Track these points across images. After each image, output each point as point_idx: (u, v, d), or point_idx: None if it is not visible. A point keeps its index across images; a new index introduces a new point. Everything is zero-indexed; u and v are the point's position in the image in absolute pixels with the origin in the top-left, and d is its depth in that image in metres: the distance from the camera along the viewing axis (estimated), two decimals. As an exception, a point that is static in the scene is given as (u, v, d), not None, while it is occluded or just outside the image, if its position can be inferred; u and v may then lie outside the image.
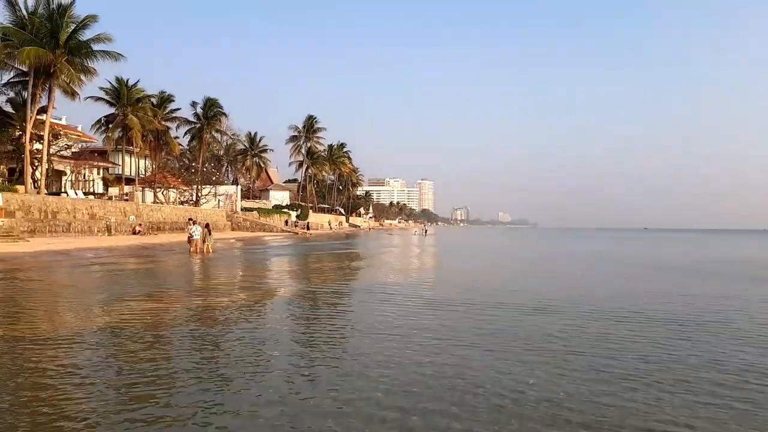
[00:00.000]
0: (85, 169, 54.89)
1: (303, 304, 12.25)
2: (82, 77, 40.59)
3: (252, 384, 6.06)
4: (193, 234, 28.67)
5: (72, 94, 41.56)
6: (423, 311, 11.09)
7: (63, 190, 47.09)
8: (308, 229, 74.50)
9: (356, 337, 8.63)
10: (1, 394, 5.55)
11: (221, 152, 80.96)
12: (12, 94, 42.92)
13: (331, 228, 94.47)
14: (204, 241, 28.77)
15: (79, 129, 58.58)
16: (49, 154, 43.23)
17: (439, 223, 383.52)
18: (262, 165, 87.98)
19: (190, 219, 33.02)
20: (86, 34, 39.68)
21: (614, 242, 65.74)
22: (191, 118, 65.33)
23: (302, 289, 14.95)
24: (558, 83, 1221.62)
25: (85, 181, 54.92)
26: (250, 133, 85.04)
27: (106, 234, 39.50)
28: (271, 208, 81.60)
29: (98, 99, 51.74)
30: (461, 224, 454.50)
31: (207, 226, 29.79)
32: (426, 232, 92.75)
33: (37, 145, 42.86)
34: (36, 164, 42.51)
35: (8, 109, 43.82)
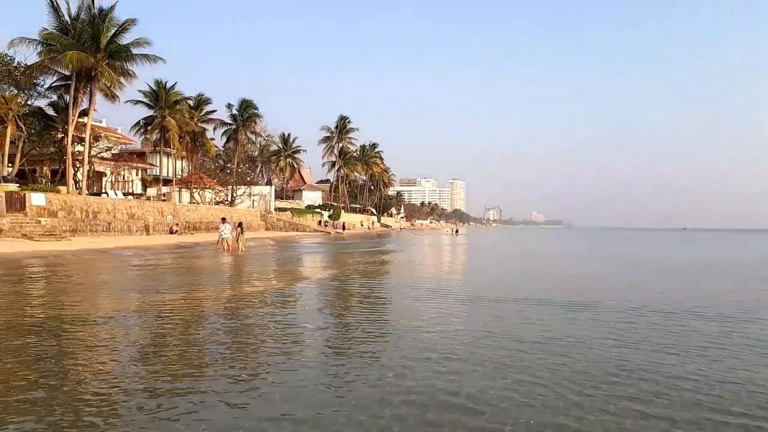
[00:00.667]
0: (124, 170, 56.22)
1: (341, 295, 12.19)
2: (122, 80, 41.59)
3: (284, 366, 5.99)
4: (223, 233, 28.98)
5: (112, 96, 42.65)
6: (461, 307, 10.93)
7: (103, 190, 48.31)
8: (343, 229, 74.83)
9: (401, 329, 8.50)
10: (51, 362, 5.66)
11: (255, 153, 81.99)
12: (54, 98, 44.31)
13: (363, 227, 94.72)
14: (237, 240, 29.08)
15: (119, 131, 60.08)
16: (90, 156, 44.39)
17: (471, 223, 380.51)
18: (295, 165, 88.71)
19: (222, 218, 33.45)
20: (125, 38, 40.64)
21: (663, 244, 64.00)
22: (227, 120, 66.37)
23: (338, 280, 14.89)
24: (597, 82, 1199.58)
25: (125, 181, 56.25)
26: (283, 134, 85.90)
27: (145, 233, 40.32)
28: (304, 208, 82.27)
29: (137, 102, 52.95)
30: (493, 224, 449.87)
31: (240, 225, 30.08)
32: (457, 232, 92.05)
33: (78, 147, 44.04)
34: (77, 165, 43.68)
35: (51, 112, 45.15)
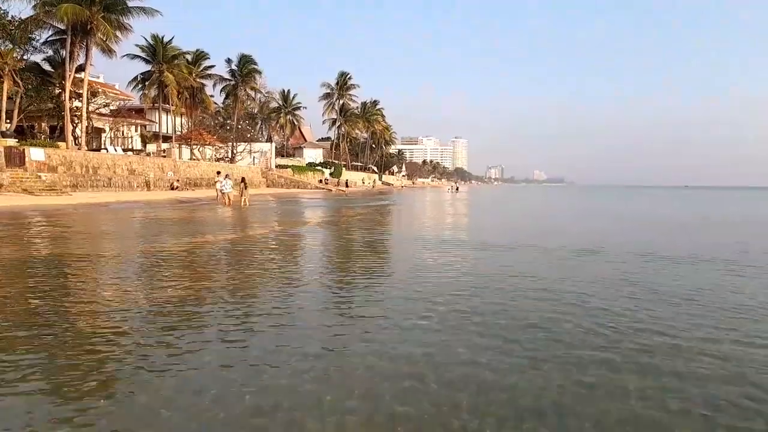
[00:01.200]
0: (123, 126, 55.82)
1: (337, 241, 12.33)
2: (118, 34, 40.88)
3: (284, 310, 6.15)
4: (224, 187, 29.00)
5: (109, 51, 41.99)
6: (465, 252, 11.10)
7: (103, 146, 48.13)
8: (346, 186, 74.77)
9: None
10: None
11: (255, 110, 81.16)
12: (50, 53, 43.57)
13: (365, 185, 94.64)
14: (241, 195, 29.17)
15: (117, 87, 59.34)
16: (88, 112, 44.03)
17: (473, 181, 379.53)
18: (296, 123, 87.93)
19: (218, 172, 33.42)
20: (121, -10, 39.71)
21: (664, 201, 64.06)
22: (226, 76, 65.45)
23: (341, 226, 15.04)
24: (597, 32, 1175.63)
25: (124, 137, 55.95)
26: (283, 91, 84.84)
27: (145, 189, 40.39)
28: (304, 165, 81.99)
29: (134, 57, 52.08)
30: (495, 183, 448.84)
31: (243, 180, 30.11)
32: (457, 189, 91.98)
33: (76, 103, 43.63)
34: (76, 121, 43.36)
35: (47, 67, 44.49)
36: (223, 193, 29.15)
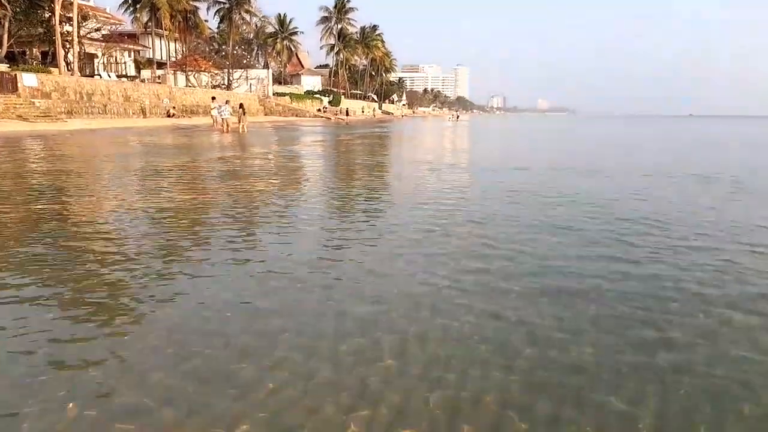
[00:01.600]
0: (116, 51, 54.37)
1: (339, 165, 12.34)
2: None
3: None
4: (222, 113, 28.59)
5: (96, -29, 40.26)
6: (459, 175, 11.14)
7: (96, 72, 47.09)
8: (347, 114, 73.65)
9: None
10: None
11: (251, 35, 78.73)
12: (37, -27, 41.79)
13: (364, 114, 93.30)
14: (239, 121, 28.83)
15: (107, 11, 57.31)
16: (79, 36, 42.75)
17: (475, 111, 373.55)
18: (293, 49, 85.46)
19: (213, 98, 32.85)
20: None
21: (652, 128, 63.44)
22: (220, -3, 63.09)
23: (342, 147, 15.01)
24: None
25: (117, 63, 54.61)
26: (279, 15, 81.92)
27: (141, 116, 39.85)
28: (303, 93, 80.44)
29: (123, -23, 50.06)
30: (497, 112, 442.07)
31: (241, 106, 29.66)
32: (458, 118, 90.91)
33: (67, 27, 42.29)
34: (68, 47, 42.19)
35: (35, -11, 42.83)
36: (223, 119, 28.78)
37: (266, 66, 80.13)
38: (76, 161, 12.51)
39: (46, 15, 42.94)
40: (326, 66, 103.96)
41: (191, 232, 5.77)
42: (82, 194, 7.80)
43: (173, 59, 59.86)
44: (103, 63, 52.06)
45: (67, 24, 42.08)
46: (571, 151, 21.22)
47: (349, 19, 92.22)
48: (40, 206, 6.89)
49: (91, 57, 50.69)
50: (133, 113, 39.41)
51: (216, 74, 62.27)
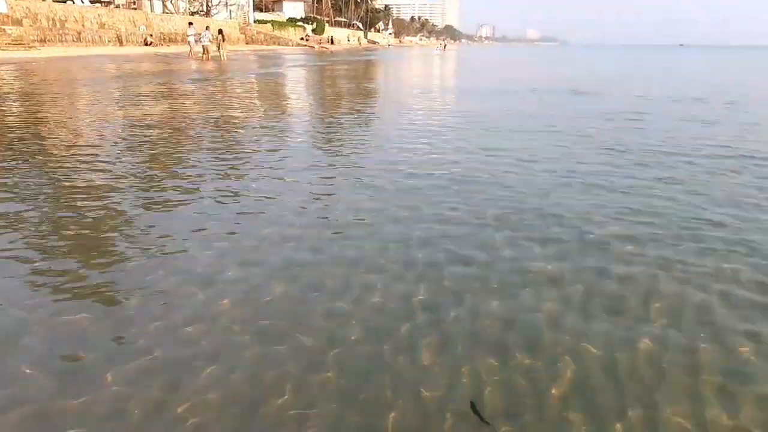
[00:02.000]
0: (86, -27, 51.64)
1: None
2: None
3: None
4: (203, 40, 27.70)
5: None
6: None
7: (68, -3, 44.89)
8: (332, 43, 71.44)
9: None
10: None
11: (229, -43, 74.95)
12: None
13: (349, 43, 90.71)
14: (219, 48, 27.99)
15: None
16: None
17: (463, 40, 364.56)
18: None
19: (190, 23, 31.72)
20: None
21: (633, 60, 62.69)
22: None
23: (326, 71, 14.80)
24: None
25: (89, -13, 52.03)
26: (258, -65, 77.88)
27: (117, 44, 38.45)
28: (285, 21, 77.70)
29: None
30: (486, 42, 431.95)
31: (221, 32, 28.74)
32: (445, 47, 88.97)
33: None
34: (35, -31, 39.97)
35: None
36: (203, 46, 27.89)
37: (247, -9, 76.80)
38: (62, 84, 12.25)
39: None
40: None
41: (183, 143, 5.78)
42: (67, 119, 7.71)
43: (148, -17, 57.11)
44: (75, -13, 49.54)
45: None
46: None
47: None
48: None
49: (61, -20, 48.15)
50: (108, 41, 37.98)
51: (194, 0, 59.76)
